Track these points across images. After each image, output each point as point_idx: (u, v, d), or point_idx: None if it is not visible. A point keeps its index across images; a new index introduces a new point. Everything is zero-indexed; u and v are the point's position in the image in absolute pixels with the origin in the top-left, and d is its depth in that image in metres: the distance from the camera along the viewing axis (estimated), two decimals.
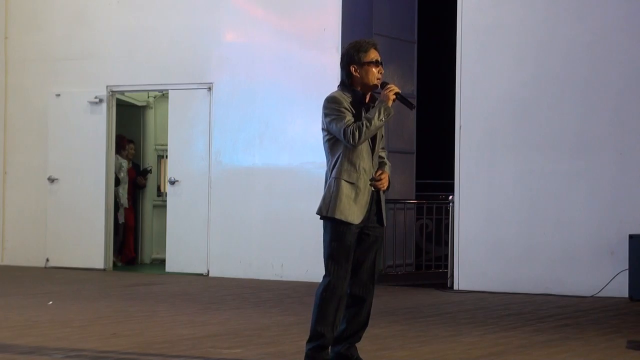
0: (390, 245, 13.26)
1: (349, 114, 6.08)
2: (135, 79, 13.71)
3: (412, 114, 14.33)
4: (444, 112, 13.00)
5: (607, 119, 11.26)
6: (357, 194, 6.10)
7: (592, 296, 10.95)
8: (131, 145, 15.04)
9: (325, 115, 6.15)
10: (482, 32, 11.79)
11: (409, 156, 14.26)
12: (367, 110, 6.15)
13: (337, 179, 6.12)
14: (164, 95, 14.61)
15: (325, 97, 6.23)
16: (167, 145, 13.91)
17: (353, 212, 6.07)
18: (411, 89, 14.35)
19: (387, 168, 6.28)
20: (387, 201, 13.28)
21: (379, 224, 6.21)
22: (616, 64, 11.25)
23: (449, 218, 12.32)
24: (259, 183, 12.84)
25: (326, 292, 6.08)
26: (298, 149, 12.62)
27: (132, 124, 15.35)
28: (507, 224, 11.58)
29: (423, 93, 14.50)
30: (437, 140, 14.63)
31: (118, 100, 14.07)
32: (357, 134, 6.01)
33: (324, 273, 6.14)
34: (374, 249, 6.21)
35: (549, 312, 9.75)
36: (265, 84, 12.83)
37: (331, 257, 6.11)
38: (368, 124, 6.02)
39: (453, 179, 11.94)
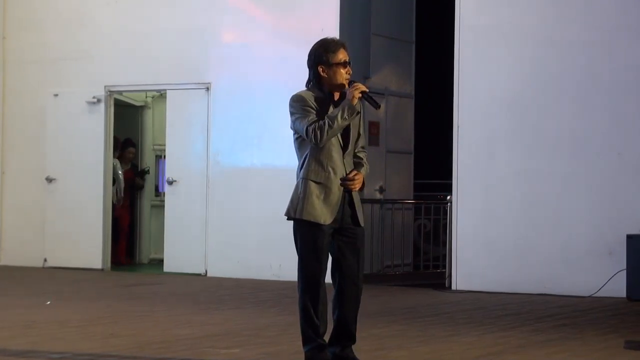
0: (388, 246, 13.27)
1: (313, 112, 6.00)
2: (133, 79, 13.70)
3: (411, 114, 14.35)
4: (442, 112, 13.02)
5: (605, 119, 11.26)
6: (326, 194, 6.02)
7: (590, 296, 10.95)
8: (131, 149, 15.02)
9: (291, 114, 6.08)
10: (480, 32, 11.79)
11: (407, 156, 14.27)
12: (335, 107, 6.05)
13: (305, 179, 6.05)
14: (162, 95, 14.60)
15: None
16: (165, 145, 13.90)
17: (322, 212, 6.00)
18: (409, 89, 14.36)
19: (363, 170, 6.16)
20: (385, 201, 13.44)
21: (354, 225, 6.13)
22: (615, 64, 11.25)
23: (446, 218, 12.32)
24: (257, 183, 12.83)
25: (303, 294, 6.06)
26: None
27: (130, 124, 15.35)
28: (505, 224, 11.58)
29: (421, 93, 14.51)
30: (435, 141, 14.66)
31: (116, 100, 14.06)
32: (319, 133, 5.93)
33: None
34: (354, 251, 6.11)
35: (547, 312, 9.75)
36: (264, 84, 12.83)
37: (303, 259, 6.06)
38: (331, 123, 5.93)
39: (451, 179, 11.94)
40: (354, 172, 6.09)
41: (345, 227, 6.12)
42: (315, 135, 5.96)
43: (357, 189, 6.09)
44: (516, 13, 11.67)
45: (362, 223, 6.16)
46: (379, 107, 6.30)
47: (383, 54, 13.78)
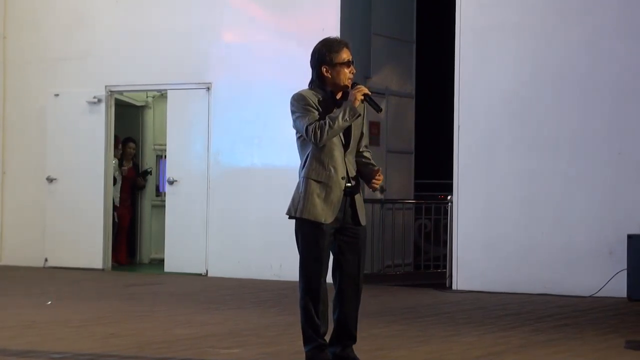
0: (388, 245, 13.27)
1: (314, 111, 6.00)
2: (134, 78, 13.70)
3: (411, 114, 14.35)
4: (442, 112, 13.00)
5: (605, 118, 11.26)
6: (327, 193, 6.02)
7: (590, 296, 10.95)
8: (131, 145, 15.03)
9: (292, 112, 6.08)
10: (481, 32, 11.79)
11: (408, 156, 14.27)
12: (337, 107, 6.05)
13: (306, 178, 6.05)
14: (162, 95, 14.61)
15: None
16: (165, 145, 13.91)
17: (323, 211, 6.00)
18: (410, 88, 14.37)
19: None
20: (386, 201, 13.44)
21: (355, 224, 6.13)
22: (614, 64, 11.25)
23: (447, 218, 12.32)
24: (257, 183, 12.83)
25: (304, 294, 6.06)
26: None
27: (130, 124, 15.35)
28: (505, 223, 11.58)
29: (422, 93, 14.50)
30: (436, 140, 14.64)
31: (117, 100, 14.06)
32: (319, 132, 5.93)
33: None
34: (355, 251, 6.12)
35: (547, 312, 9.75)
36: (264, 84, 12.83)
37: (304, 258, 6.07)
38: (331, 123, 5.93)
39: (452, 178, 11.94)
40: (379, 172, 6.12)
41: (347, 227, 6.12)
42: (315, 135, 5.96)
43: (377, 187, 6.13)
44: (516, 13, 11.67)
45: (363, 222, 6.16)
46: (381, 110, 6.32)
47: (383, 53, 13.77)
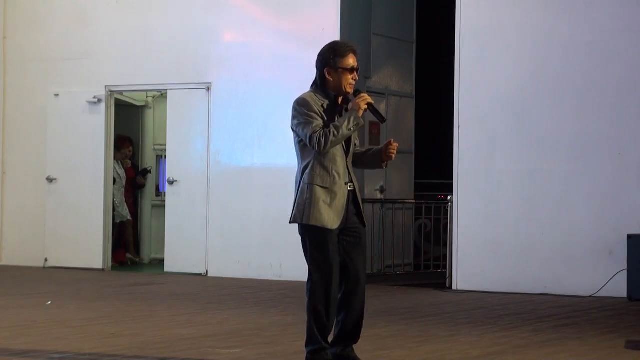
0: (389, 245, 13.27)
1: (317, 118, 6.01)
2: (134, 79, 13.70)
3: (411, 114, 14.36)
4: (442, 112, 13.01)
5: (605, 118, 11.26)
6: (332, 199, 6.04)
7: (590, 296, 10.95)
8: (128, 145, 15.02)
9: (294, 117, 6.08)
10: (481, 32, 11.79)
11: (408, 156, 14.27)
12: (339, 113, 6.08)
13: (311, 184, 6.05)
14: (162, 95, 14.61)
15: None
16: (165, 145, 13.90)
17: (330, 217, 6.02)
18: (410, 88, 14.37)
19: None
20: (386, 201, 13.45)
21: (359, 224, 6.16)
22: (615, 64, 11.25)
23: (447, 218, 12.32)
24: (257, 183, 12.83)
25: (314, 296, 6.06)
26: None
27: (130, 124, 15.35)
28: (505, 223, 11.58)
29: (422, 93, 14.51)
30: (436, 140, 14.65)
31: (117, 100, 14.06)
32: (323, 141, 5.95)
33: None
34: (358, 250, 6.15)
35: (547, 312, 9.75)
36: (264, 84, 12.83)
37: (313, 263, 6.08)
38: (335, 132, 5.95)
39: (452, 178, 11.94)
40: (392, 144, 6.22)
41: (349, 227, 6.14)
42: (319, 144, 5.96)
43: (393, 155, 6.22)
44: (516, 13, 11.67)
45: (365, 224, 6.21)
46: (385, 120, 6.35)
47: (383, 53, 13.78)
